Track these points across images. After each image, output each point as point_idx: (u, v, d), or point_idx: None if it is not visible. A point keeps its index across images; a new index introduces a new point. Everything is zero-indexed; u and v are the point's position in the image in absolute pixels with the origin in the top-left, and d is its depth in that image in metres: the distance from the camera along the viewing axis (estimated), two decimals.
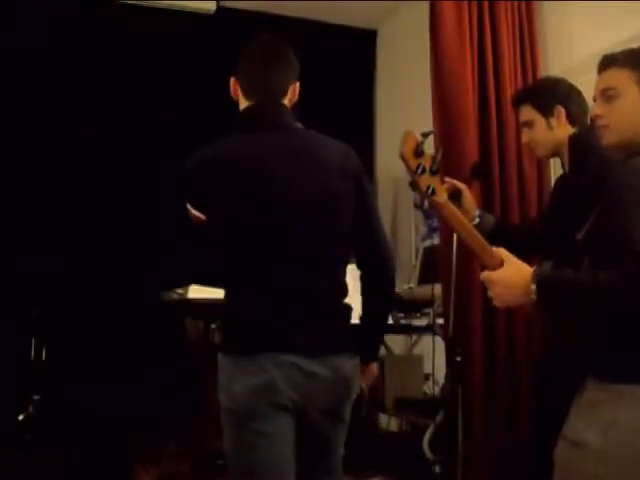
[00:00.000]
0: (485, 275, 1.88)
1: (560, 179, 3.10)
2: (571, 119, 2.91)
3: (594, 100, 2.08)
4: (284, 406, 2.16)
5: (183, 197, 2.28)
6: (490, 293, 1.89)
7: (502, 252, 1.88)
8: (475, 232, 1.91)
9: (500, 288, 1.87)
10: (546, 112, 2.91)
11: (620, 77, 1.99)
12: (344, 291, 2.33)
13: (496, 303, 1.91)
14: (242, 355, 2.16)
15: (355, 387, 2.32)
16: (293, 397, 2.16)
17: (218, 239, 2.24)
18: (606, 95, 2.02)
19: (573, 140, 2.87)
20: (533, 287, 1.81)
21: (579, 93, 3.01)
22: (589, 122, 2.83)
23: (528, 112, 2.96)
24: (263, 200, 2.19)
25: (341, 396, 2.27)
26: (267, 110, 2.31)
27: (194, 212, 2.25)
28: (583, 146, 2.82)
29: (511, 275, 1.85)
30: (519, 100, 3.05)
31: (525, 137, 3.01)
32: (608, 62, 2.04)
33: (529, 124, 2.96)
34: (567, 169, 2.93)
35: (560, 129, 2.90)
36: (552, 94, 2.94)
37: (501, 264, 1.86)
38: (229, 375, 2.17)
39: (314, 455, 2.31)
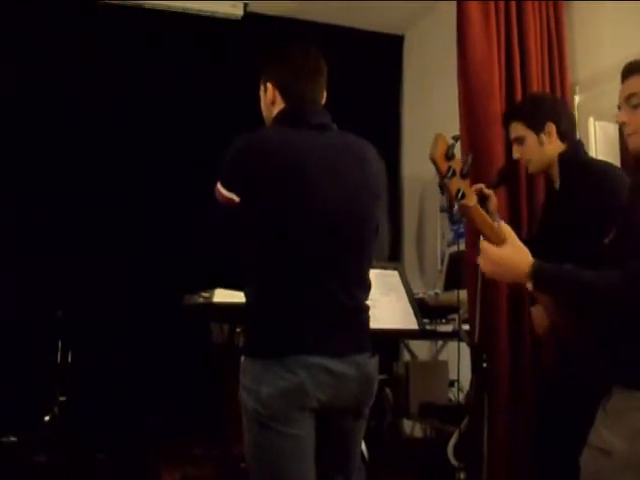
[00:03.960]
0: (484, 246, 1.88)
1: (550, 195, 3.15)
2: (561, 135, 2.98)
3: (618, 108, 2.07)
4: (311, 408, 2.18)
5: (217, 177, 2.27)
6: (481, 265, 1.91)
7: (507, 230, 1.89)
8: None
9: (494, 268, 1.88)
10: (537, 128, 2.98)
11: None
12: (368, 291, 2.36)
13: (486, 274, 1.93)
14: (270, 357, 2.16)
15: (376, 384, 2.35)
16: (321, 398, 2.18)
17: (250, 226, 2.24)
18: (630, 102, 2.02)
19: (563, 158, 2.95)
20: (530, 283, 1.83)
21: (567, 108, 3.12)
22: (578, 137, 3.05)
23: (519, 129, 3.03)
24: (303, 197, 2.21)
25: (365, 394, 2.31)
26: (311, 110, 2.37)
27: (226, 194, 2.24)
28: (573, 163, 2.92)
29: (511, 258, 1.85)
30: (510, 117, 3.12)
31: (516, 153, 3.07)
32: (632, 69, 2.04)
33: (520, 140, 3.03)
34: (558, 185, 2.99)
35: (551, 145, 2.98)
36: (542, 110, 3.01)
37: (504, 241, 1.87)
38: (256, 377, 2.17)
39: (335, 456, 2.32)
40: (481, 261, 1.91)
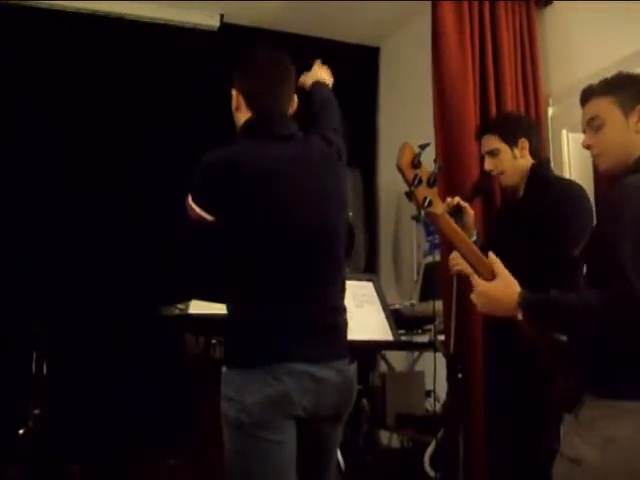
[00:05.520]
0: (475, 282, 1.93)
1: (510, 205, 3.25)
2: (532, 152, 3.11)
3: (584, 132, 2.12)
4: (295, 415, 2.20)
5: (189, 193, 2.27)
6: (474, 299, 1.95)
7: (495, 263, 1.93)
8: (471, 243, 1.94)
9: (485, 300, 1.93)
10: (511, 142, 3.10)
11: (601, 105, 2.06)
12: (344, 293, 2.40)
13: (478, 309, 1.97)
14: (254, 366, 2.17)
15: (356, 391, 2.39)
16: (305, 405, 2.20)
17: (226, 242, 2.26)
18: (593, 125, 2.08)
19: (535, 169, 3.07)
20: (520, 313, 1.86)
21: (539, 128, 3.29)
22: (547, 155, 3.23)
23: (494, 141, 3.13)
24: (278, 210, 2.23)
25: (346, 399, 2.35)
26: (275, 120, 2.38)
27: (198, 211, 2.25)
28: (541, 178, 3.05)
29: (499, 291, 1.90)
30: (485, 130, 3.21)
31: (489, 165, 3.16)
32: (588, 94, 2.12)
33: (493, 153, 3.12)
34: (521, 195, 3.10)
35: (523, 159, 3.10)
36: (518, 127, 3.15)
37: (493, 276, 1.89)
38: (239, 387, 2.18)
39: (315, 460, 2.35)
40: (474, 296, 1.95)
